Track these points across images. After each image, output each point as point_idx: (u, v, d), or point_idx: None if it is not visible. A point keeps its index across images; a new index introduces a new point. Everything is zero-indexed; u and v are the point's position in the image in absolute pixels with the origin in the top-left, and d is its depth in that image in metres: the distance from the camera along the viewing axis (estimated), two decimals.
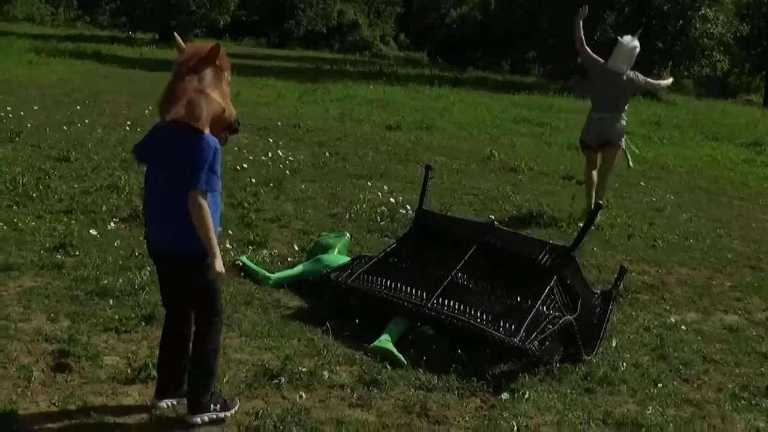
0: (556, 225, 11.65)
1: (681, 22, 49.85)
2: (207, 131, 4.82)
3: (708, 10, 49.63)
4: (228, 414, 5.28)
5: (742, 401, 6.50)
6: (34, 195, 10.22)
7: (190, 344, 5.22)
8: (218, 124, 4.99)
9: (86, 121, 16.74)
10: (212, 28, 62.21)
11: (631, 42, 11.87)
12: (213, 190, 4.87)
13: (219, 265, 4.85)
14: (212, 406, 5.20)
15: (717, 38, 50.85)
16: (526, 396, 6.10)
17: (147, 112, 18.58)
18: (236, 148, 14.86)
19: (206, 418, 5.18)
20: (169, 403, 5.34)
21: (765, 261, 11.07)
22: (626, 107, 12.07)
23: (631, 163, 12.68)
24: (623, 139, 12.06)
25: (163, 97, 4.89)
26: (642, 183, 16.33)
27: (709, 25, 49.62)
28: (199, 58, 4.92)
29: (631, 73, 11.85)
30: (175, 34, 5.43)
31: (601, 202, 7.85)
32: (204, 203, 4.78)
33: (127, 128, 16.11)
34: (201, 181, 4.77)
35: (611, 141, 11.89)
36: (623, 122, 12.02)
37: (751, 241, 12.24)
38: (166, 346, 5.35)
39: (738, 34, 58.86)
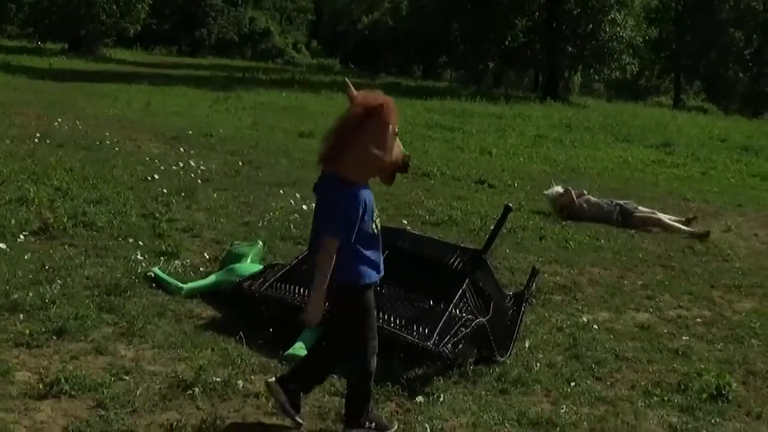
0: (468, 229, 11.73)
1: (591, 26, 50.53)
2: (358, 181, 5.09)
3: (617, 14, 50.37)
4: None
5: (655, 398, 6.59)
6: None
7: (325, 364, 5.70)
8: (384, 171, 5.24)
9: None
10: (122, 37, 61.64)
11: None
12: (338, 238, 5.02)
13: (312, 314, 5.09)
14: (367, 424, 5.41)
15: (626, 41, 51.65)
16: (441, 399, 6.12)
17: (57, 124, 18.32)
18: (147, 158, 14.76)
19: None
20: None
21: (675, 259, 11.28)
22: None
23: None
24: None
25: (327, 146, 5.15)
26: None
27: (618, 29, 50.36)
28: (364, 111, 5.05)
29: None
30: (347, 80, 5.63)
31: (510, 204, 7.89)
32: (328, 249, 5.00)
33: (36, 140, 15.84)
34: (330, 227, 5.03)
35: None
36: None
37: (661, 240, 12.46)
38: (315, 357, 5.72)
39: (647, 38, 59.99)
